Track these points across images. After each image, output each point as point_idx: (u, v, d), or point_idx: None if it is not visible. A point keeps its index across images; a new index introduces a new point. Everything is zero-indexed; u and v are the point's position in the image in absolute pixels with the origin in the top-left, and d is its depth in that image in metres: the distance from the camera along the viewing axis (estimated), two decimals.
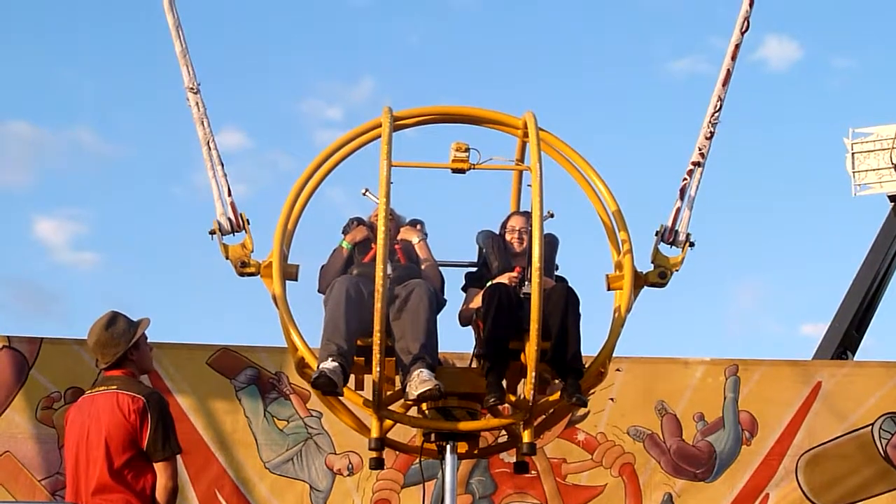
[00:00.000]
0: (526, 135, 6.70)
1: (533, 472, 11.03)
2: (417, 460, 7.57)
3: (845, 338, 19.23)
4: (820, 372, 11.82)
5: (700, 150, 7.15)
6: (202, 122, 7.07)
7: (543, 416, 7.01)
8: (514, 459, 7.10)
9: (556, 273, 7.03)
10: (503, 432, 7.30)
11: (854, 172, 23.04)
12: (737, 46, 7.22)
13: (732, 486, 11.25)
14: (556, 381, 6.60)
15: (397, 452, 9.01)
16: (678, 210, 7.08)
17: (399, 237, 7.17)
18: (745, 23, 7.22)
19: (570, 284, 6.79)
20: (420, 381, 6.17)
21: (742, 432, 11.36)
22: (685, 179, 7.12)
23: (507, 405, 6.63)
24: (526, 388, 6.28)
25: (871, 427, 11.40)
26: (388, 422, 6.56)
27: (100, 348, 5.57)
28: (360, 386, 6.80)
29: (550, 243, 6.90)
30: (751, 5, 7.22)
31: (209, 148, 7.05)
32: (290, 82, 38.88)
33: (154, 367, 9.32)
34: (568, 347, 6.42)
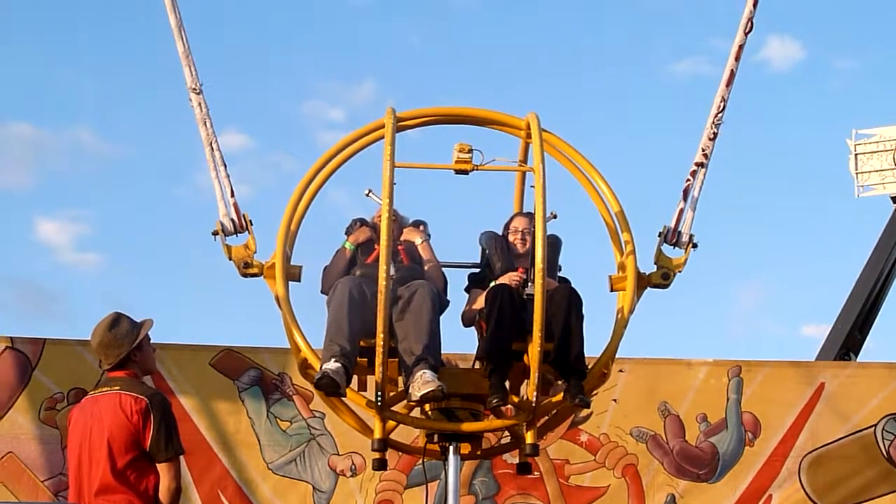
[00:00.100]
0: (529, 136, 6.70)
1: (536, 473, 11.03)
2: (420, 461, 7.55)
3: (848, 339, 19.25)
4: (823, 373, 11.81)
5: (703, 150, 7.14)
6: (205, 122, 7.07)
7: (546, 418, 7.01)
8: (517, 460, 7.08)
9: (560, 274, 7.03)
10: (506, 433, 7.30)
11: (857, 174, 23.07)
12: (740, 47, 7.21)
13: (735, 487, 11.25)
14: (559, 383, 6.60)
15: (400, 453, 9.00)
16: (681, 211, 7.07)
17: (402, 238, 7.16)
18: (749, 23, 7.22)
19: (573, 285, 6.79)
20: (423, 382, 6.17)
21: (745, 433, 11.36)
22: (688, 180, 7.12)
23: (509, 406, 6.63)
24: (529, 390, 6.28)
25: (874, 428, 11.39)
26: (391, 423, 6.56)
27: (103, 349, 5.57)
28: (363, 387, 6.80)
29: (553, 244, 6.90)
30: (755, 6, 7.21)
31: (212, 149, 7.05)
32: (292, 84, 38.97)
33: (157, 368, 9.30)
34: (571, 348, 6.41)
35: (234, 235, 6.94)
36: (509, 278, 6.78)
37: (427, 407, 6.63)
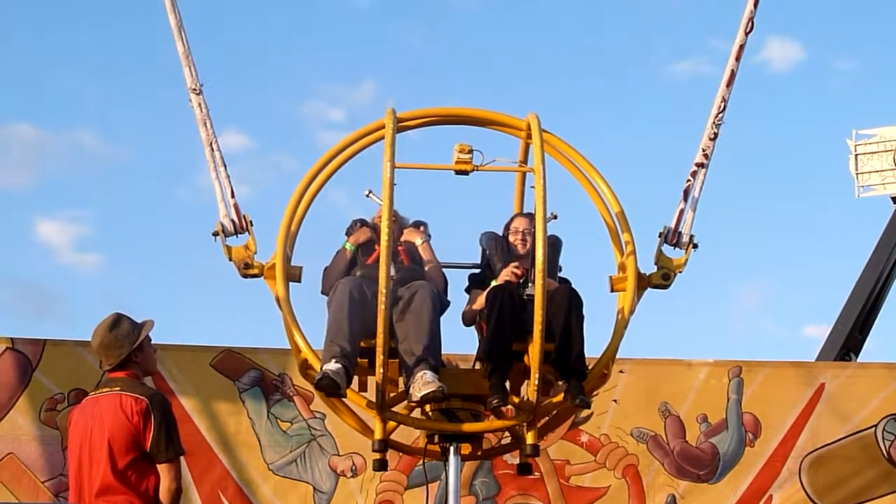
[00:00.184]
0: (529, 136, 6.69)
1: (536, 473, 11.04)
2: (421, 462, 7.55)
3: (848, 339, 19.24)
4: (823, 373, 11.82)
5: (704, 151, 7.14)
6: (205, 123, 7.07)
7: (547, 418, 7.01)
8: (517, 461, 7.08)
9: (560, 275, 7.02)
10: (507, 434, 7.30)
11: (857, 174, 23.06)
12: (741, 47, 7.20)
13: (736, 487, 11.25)
14: (560, 383, 6.60)
15: (401, 454, 9.01)
16: (681, 211, 7.07)
17: (402, 239, 7.16)
18: (750, 23, 7.21)
19: (573, 286, 6.79)
20: (423, 382, 6.17)
21: (745, 434, 11.36)
22: (689, 181, 7.11)
23: (510, 407, 6.63)
24: (529, 390, 6.28)
25: (874, 428, 11.40)
26: (392, 423, 6.56)
27: (104, 350, 5.57)
28: (363, 387, 6.80)
29: (554, 245, 6.90)
30: (755, 6, 7.20)
31: (212, 149, 7.05)
32: (292, 84, 38.92)
33: (158, 369, 9.31)
34: (571, 349, 6.41)
35: (235, 236, 6.94)
36: (509, 271, 6.78)
37: (427, 407, 6.63)
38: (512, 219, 7.21)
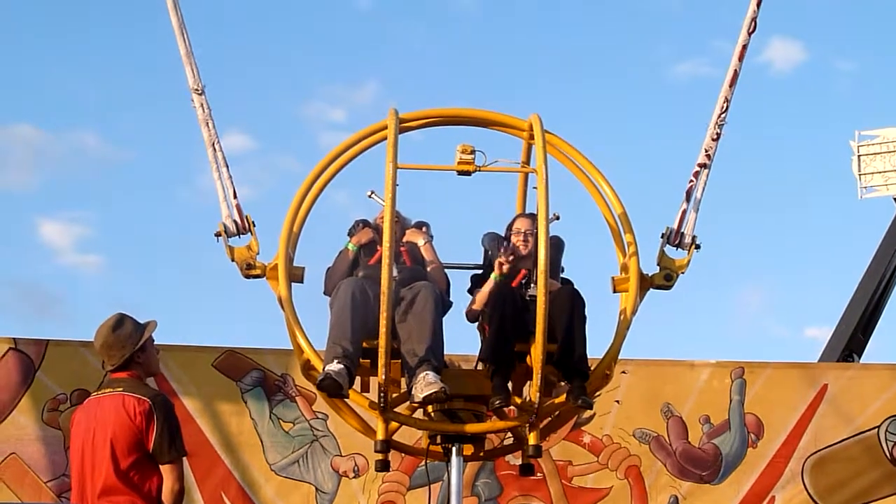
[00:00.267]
0: (531, 137, 6.69)
1: (539, 474, 11.03)
2: (423, 462, 7.57)
3: (851, 340, 19.22)
4: (826, 374, 11.82)
5: (706, 151, 7.13)
6: (207, 123, 7.06)
7: (549, 419, 7.01)
8: (519, 462, 7.08)
9: (562, 275, 7.02)
10: (509, 434, 7.30)
11: (860, 175, 23.05)
12: (744, 47, 7.19)
13: (738, 488, 11.24)
14: (562, 384, 6.59)
15: (403, 454, 9.01)
16: (684, 212, 7.06)
17: (405, 239, 7.16)
18: (753, 23, 7.19)
19: (575, 287, 6.79)
20: (426, 383, 6.17)
21: (748, 435, 11.35)
22: (691, 181, 7.10)
23: (512, 407, 6.63)
24: (531, 391, 6.28)
25: (877, 430, 11.39)
26: (394, 424, 6.56)
27: (106, 350, 5.57)
28: (365, 388, 6.80)
29: (556, 245, 6.90)
30: (758, 6, 7.19)
31: (214, 149, 7.04)
32: (293, 85, 38.94)
33: (160, 370, 9.31)
34: (574, 350, 6.40)
35: (237, 237, 6.93)
36: (497, 263, 6.79)
37: (430, 408, 6.63)
38: (514, 219, 7.20)
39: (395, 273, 6.22)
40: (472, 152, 6.62)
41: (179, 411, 6.18)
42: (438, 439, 6.68)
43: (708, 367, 11.57)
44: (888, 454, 11.33)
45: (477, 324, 7.00)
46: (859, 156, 23.11)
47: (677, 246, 7.02)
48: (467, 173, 6.64)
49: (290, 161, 35.25)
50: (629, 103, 39.11)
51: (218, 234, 6.89)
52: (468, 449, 6.70)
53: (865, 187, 23.14)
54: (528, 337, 6.35)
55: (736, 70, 7.17)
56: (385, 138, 6.46)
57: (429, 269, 7.02)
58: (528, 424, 6.53)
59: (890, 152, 22.94)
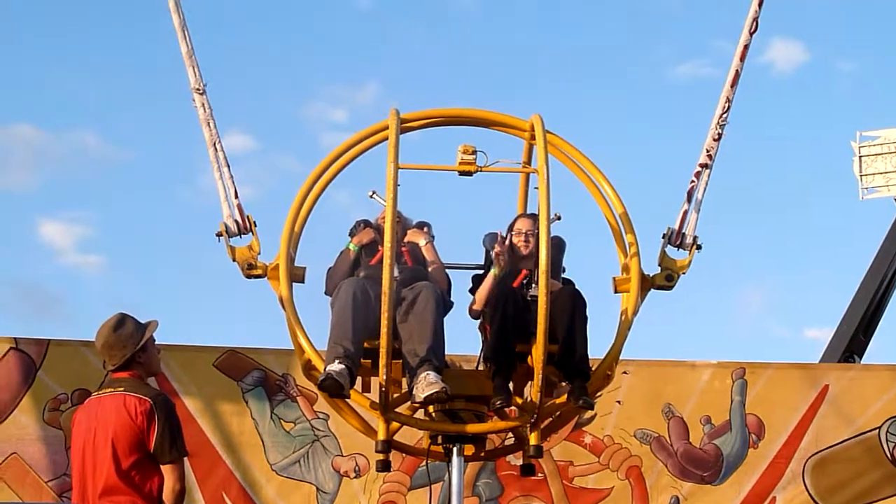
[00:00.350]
0: (533, 137, 6.69)
1: (540, 474, 11.03)
2: (424, 462, 7.56)
3: (852, 341, 19.18)
4: (827, 375, 11.81)
5: (708, 151, 7.12)
6: (208, 123, 7.07)
7: (550, 419, 7.01)
8: (520, 462, 7.08)
9: (563, 275, 7.02)
10: (510, 435, 7.30)
11: (861, 176, 23.04)
12: (745, 47, 7.19)
13: (739, 489, 11.24)
14: (563, 384, 6.60)
15: (404, 455, 9.01)
16: (685, 212, 7.06)
17: (406, 239, 7.16)
18: (755, 23, 7.19)
19: (577, 287, 6.79)
20: (427, 383, 6.17)
21: (749, 435, 11.35)
22: (692, 182, 7.10)
23: (513, 408, 6.63)
24: (533, 391, 6.28)
25: (878, 430, 11.39)
26: (395, 424, 6.56)
27: (107, 350, 5.57)
28: (366, 388, 6.80)
29: (557, 246, 6.90)
30: (759, 5, 7.19)
31: (216, 149, 7.05)
32: (294, 85, 38.92)
33: (161, 370, 9.31)
34: (575, 350, 6.41)
35: (238, 237, 6.93)
36: (494, 255, 6.80)
37: (431, 408, 6.64)
38: (515, 220, 7.20)
39: (396, 273, 6.22)
40: (474, 152, 6.62)
41: (180, 411, 6.19)
42: (439, 439, 6.69)
43: (709, 368, 11.57)
44: (889, 455, 11.33)
45: (478, 324, 7.00)
46: (860, 156, 23.09)
47: (678, 246, 7.02)
48: (469, 173, 6.64)
49: (292, 161, 35.26)
50: (630, 103, 39.11)
51: (219, 234, 6.89)
52: (469, 449, 6.70)
53: (866, 188, 23.13)
54: (529, 337, 6.35)
55: (737, 70, 7.17)
56: (386, 138, 6.46)
57: (430, 269, 7.02)
58: (529, 425, 6.53)
59: (891, 153, 22.92)
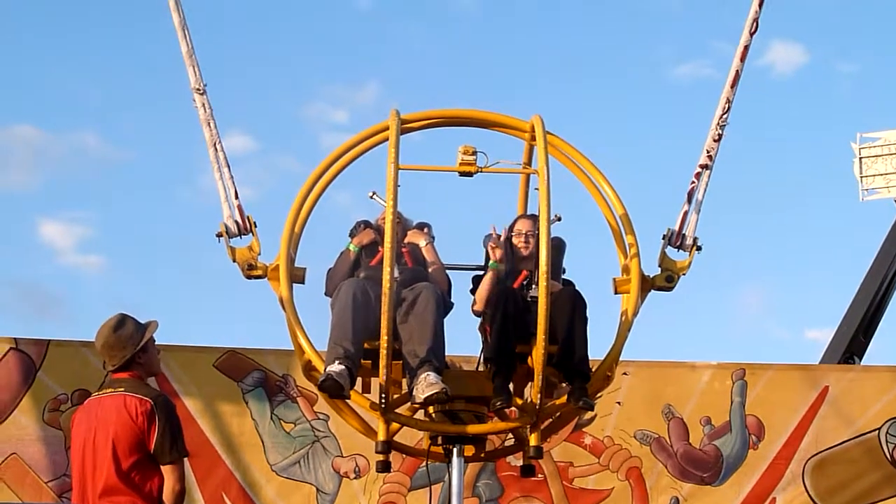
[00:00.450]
0: (533, 138, 6.69)
1: (540, 475, 11.03)
2: (424, 463, 7.56)
3: (852, 342, 19.19)
4: (827, 376, 11.81)
5: (708, 152, 7.12)
6: (209, 123, 7.06)
7: (550, 420, 7.01)
8: (520, 463, 7.08)
9: (564, 276, 7.02)
10: (510, 436, 7.29)
11: (861, 177, 23.07)
12: (746, 48, 7.18)
13: (739, 490, 11.24)
14: (563, 385, 6.60)
15: (404, 455, 9.00)
16: (685, 214, 7.05)
17: (406, 240, 7.16)
18: (755, 24, 7.18)
19: (577, 288, 6.79)
20: (427, 384, 6.17)
21: (749, 436, 11.35)
22: (693, 182, 7.10)
23: (513, 409, 6.63)
24: (533, 392, 6.28)
25: (877, 431, 11.39)
26: (395, 425, 6.56)
27: (108, 350, 5.57)
28: (366, 389, 6.79)
29: (557, 247, 6.90)
30: (760, 6, 7.18)
31: (216, 149, 7.04)
32: (295, 86, 38.95)
33: (161, 370, 9.31)
34: (575, 351, 6.41)
35: (238, 237, 6.93)
36: (490, 248, 6.80)
37: (431, 409, 6.64)
38: (515, 220, 7.20)
39: (396, 274, 6.22)
40: (474, 153, 6.62)
41: (180, 411, 6.19)
42: (439, 440, 6.68)
43: (709, 369, 11.57)
44: (889, 456, 11.32)
45: (478, 325, 7.00)
46: (861, 158, 23.13)
47: (678, 247, 7.02)
48: (469, 174, 6.64)
49: (292, 162, 35.30)
50: (630, 104, 39.14)
51: (219, 235, 6.89)
52: (469, 450, 6.70)
53: (867, 189, 23.16)
54: (529, 338, 6.35)
55: (738, 70, 7.16)
56: (386, 139, 6.46)
57: (430, 269, 7.01)
58: (529, 425, 6.53)
59: (891, 154, 22.95)
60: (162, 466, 5.43)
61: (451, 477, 6.58)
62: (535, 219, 6.86)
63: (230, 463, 10.98)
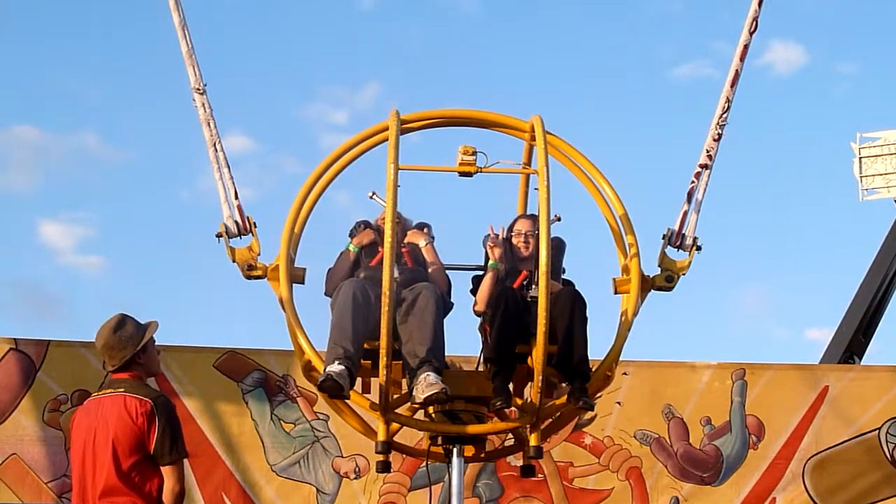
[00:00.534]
0: (533, 138, 6.69)
1: (540, 475, 11.03)
2: (424, 463, 7.56)
3: (852, 342, 19.20)
4: (827, 376, 11.81)
5: (708, 152, 7.11)
6: (208, 123, 7.06)
7: (550, 420, 7.00)
8: (520, 463, 7.08)
9: (563, 276, 7.02)
10: (510, 436, 7.29)
11: (861, 177, 23.07)
12: (745, 47, 7.18)
13: (739, 490, 11.24)
14: (563, 385, 6.59)
15: (404, 456, 9.00)
16: (685, 213, 7.05)
17: (406, 240, 7.15)
18: (754, 23, 7.18)
19: (577, 288, 6.78)
20: (427, 384, 6.17)
21: (749, 436, 11.35)
22: (692, 182, 7.09)
23: (513, 409, 6.62)
24: (533, 392, 6.28)
25: (877, 431, 11.39)
26: (395, 425, 6.55)
27: (108, 351, 5.56)
28: (366, 389, 6.79)
29: (557, 247, 6.90)
30: (759, 5, 7.17)
31: (216, 149, 7.04)
32: (295, 87, 38.94)
33: (161, 370, 9.31)
34: (575, 351, 6.40)
35: (238, 237, 6.93)
36: (489, 248, 6.80)
37: (431, 409, 6.63)
38: (515, 220, 7.20)
39: (396, 274, 6.21)
40: (474, 153, 6.61)
41: (180, 412, 6.19)
42: (439, 440, 6.68)
43: (709, 369, 11.57)
44: (889, 456, 11.33)
45: (478, 325, 7.00)
46: (860, 158, 23.13)
47: (678, 247, 7.01)
48: (469, 174, 6.64)
49: (292, 162, 35.29)
50: (630, 104, 39.15)
51: (219, 235, 6.89)
52: (469, 450, 6.70)
53: (866, 189, 23.16)
54: (529, 338, 6.35)
55: (737, 70, 7.16)
56: (386, 139, 6.46)
57: (430, 270, 7.01)
58: (529, 426, 6.53)
59: (891, 154, 22.95)
60: (162, 467, 5.42)
61: (451, 477, 6.58)
62: (534, 219, 6.85)
63: (230, 463, 10.99)
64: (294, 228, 6.77)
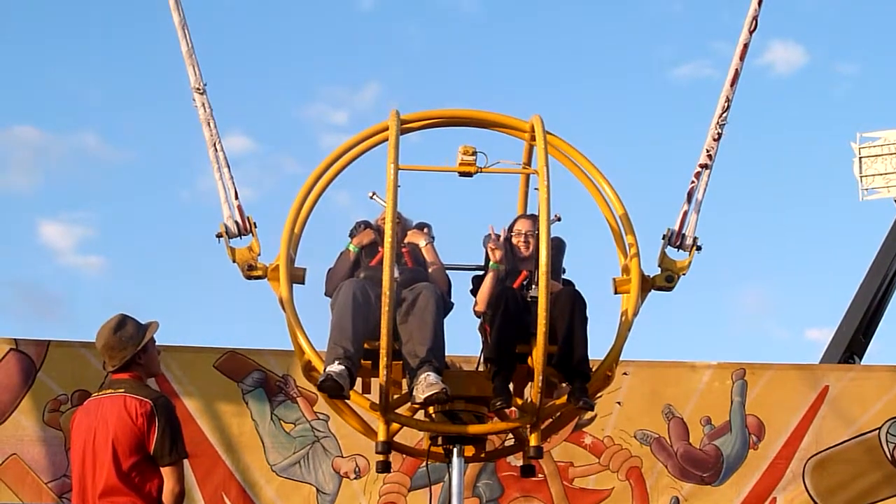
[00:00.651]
0: (533, 138, 6.69)
1: (540, 475, 11.03)
2: (424, 463, 7.56)
3: (852, 342, 19.20)
4: (827, 376, 11.80)
5: (708, 151, 7.11)
6: (208, 123, 7.05)
7: (550, 420, 7.00)
8: (520, 463, 7.08)
9: (564, 276, 7.02)
10: (510, 436, 7.29)
11: (861, 177, 23.07)
12: (745, 46, 7.18)
13: (739, 490, 11.24)
14: (563, 385, 6.59)
15: (404, 456, 9.00)
16: (685, 213, 7.05)
17: (406, 240, 7.15)
18: (754, 22, 7.18)
19: (577, 288, 6.78)
20: (427, 384, 6.17)
21: (749, 436, 11.35)
22: (692, 182, 7.09)
23: (513, 409, 6.62)
24: (533, 392, 6.28)
25: (877, 431, 11.39)
26: (395, 425, 6.55)
27: (108, 351, 5.56)
28: (366, 389, 6.79)
29: (557, 247, 6.89)
30: (759, 4, 7.17)
31: (216, 149, 7.03)
32: (295, 87, 38.95)
33: (161, 371, 9.31)
34: (575, 351, 6.40)
35: (238, 238, 6.93)
36: (490, 250, 6.81)
37: (431, 409, 6.63)
38: (515, 220, 7.19)
39: (396, 274, 6.21)
40: (474, 153, 6.61)
41: (180, 412, 6.19)
42: (440, 440, 6.68)
43: (709, 369, 11.56)
44: (889, 456, 11.32)
45: (478, 325, 7.00)
46: (860, 157, 23.13)
47: (678, 247, 7.01)
48: (469, 174, 6.64)
49: (292, 162, 35.30)
50: (630, 104, 39.17)
51: (219, 235, 6.88)
52: (469, 450, 6.70)
53: (866, 189, 23.17)
54: (529, 338, 6.35)
55: (737, 69, 7.15)
56: (386, 139, 6.46)
57: (430, 270, 7.01)
58: (529, 426, 6.53)
59: (891, 154, 22.96)
60: (161, 467, 5.42)
61: (451, 477, 6.58)
62: (534, 219, 6.85)
63: (230, 463, 10.99)
64: (294, 228, 6.76)
